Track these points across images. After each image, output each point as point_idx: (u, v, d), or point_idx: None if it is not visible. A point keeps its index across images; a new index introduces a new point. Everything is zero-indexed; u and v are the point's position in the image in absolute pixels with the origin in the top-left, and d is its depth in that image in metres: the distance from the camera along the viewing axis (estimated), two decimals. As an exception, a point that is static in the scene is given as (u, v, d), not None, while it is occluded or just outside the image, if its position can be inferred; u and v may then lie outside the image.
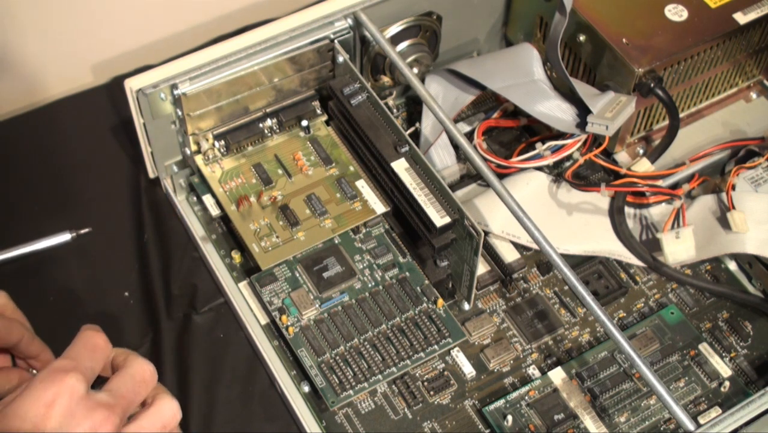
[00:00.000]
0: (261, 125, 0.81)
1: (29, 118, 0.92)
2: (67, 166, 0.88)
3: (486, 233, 0.80)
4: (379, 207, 0.78)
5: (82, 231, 0.82)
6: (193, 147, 0.79)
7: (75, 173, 0.88)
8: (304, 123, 0.82)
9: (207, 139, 0.79)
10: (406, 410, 0.73)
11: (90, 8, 0.94)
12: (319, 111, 0.83)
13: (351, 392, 0.71)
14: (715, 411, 0.73)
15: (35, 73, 0.96)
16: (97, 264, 0.82)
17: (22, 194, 0.86)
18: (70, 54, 0.97)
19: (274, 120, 0.81)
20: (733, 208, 0.77)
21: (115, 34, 0.98)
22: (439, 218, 0.72)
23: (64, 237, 0.81)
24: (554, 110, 0.81)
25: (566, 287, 0.80)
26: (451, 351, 0.75)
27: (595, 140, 0.82)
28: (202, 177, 0.80)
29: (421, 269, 0.78)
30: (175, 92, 0.75)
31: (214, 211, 0.80)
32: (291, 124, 0.82)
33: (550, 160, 0.81)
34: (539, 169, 0.83)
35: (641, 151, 0.86)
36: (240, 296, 0.78)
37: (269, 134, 0.82)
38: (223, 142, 0.80)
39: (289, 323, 0.73)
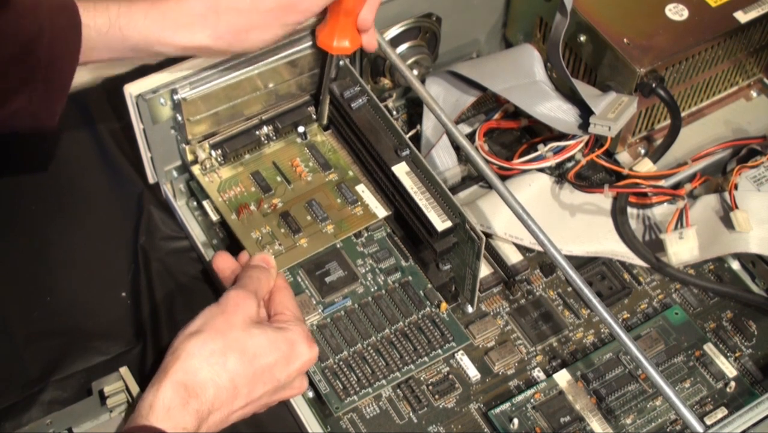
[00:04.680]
0: (257, 133, 0.80)
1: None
2: (65, 166, 0.88)
3: (488, 235, 0.80)
4: (381, 211, 0.78)
5: None
6: (190, 157, 0.79)
7: (73, 173, 0.87)
8: (301, 129, 0.82)
9: (204, 149, 0.78)
10: (411, 414, 0.72)
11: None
12: (315, 116, 0.82)
13: (355, 397, 0.71)
14: (721, 412, 0.73)
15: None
16: (95, 265, 0.81)
17: (20, 195, 0.86)
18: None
19: (270, 127, 0.81)
20: (736, 207, 0.77)
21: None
22: (441, 222, 0.72)
23: None
24: (555, 111, 0.81)
25: (569, 289, 0.80)
26: (456, 354, 0.75)
27: (597, 141, 0.82)
28: (201, 187, 0.79)
29: (424, 272, 0.77)
30: (175, 97, 0.74)
31: (215, 216, 0.79)
32: (287, 131, 0.82)
33: (552, 162, 0.81)
34: (541, 170, 0.82)
35: (643, 152, 0.86)
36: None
37: (266, 141, 0.81)
38: (220, 152, 0.79)
39: (292, 329, 0.73)
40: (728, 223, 0.77)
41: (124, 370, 0.72)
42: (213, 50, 0.70)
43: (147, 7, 0.67)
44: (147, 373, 0.74)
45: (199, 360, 0.61)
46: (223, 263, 0.72)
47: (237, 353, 0.62)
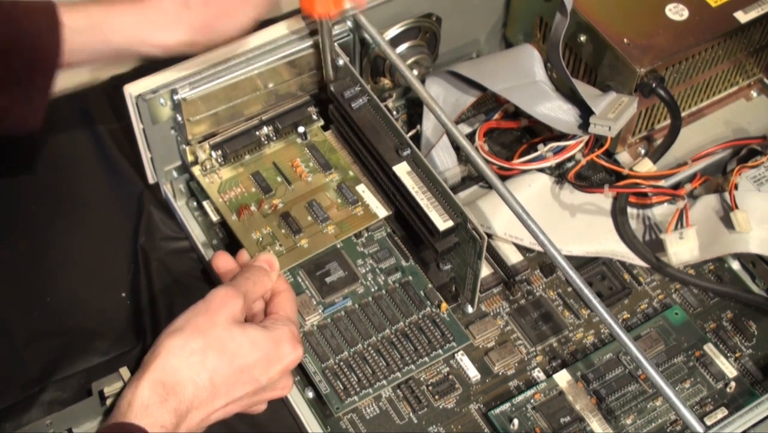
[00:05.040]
0: (257, 133, 0.80)
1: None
2: (65, 166, 0.88)
3: (489, 235, 0.80)
4: (381, 211, 0.78)
5: None
6: (190, 158, 0.79)
7: (73, 173, 0.88)
8: (301, 129, 0.82)
9: (204, 150, 0.78)
10: (411, 414, 0.72)
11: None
12: (315, 117, 0.82)
13: (356, 398, 0.71)
14: (722, 412, 0.73)
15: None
16: (95, 265, 0.81)
17: (20, 195, 0.86)
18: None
19: (270, 127, 0.81)
20: (736, 207, 0.77)
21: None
22: (442, 222, 0.72)
23: None
24: (556, 111, 0.81)
25: (570, 289, 0.80)
26: (456, 355, 0.75)
27: (597, 141, 0.82)
28: (201, 187, 0.79)
29: (424, 272, 0.77)
30: (175, 97, 0.74)
31: (215, 216, 0.79)
32: (288, 131, 0.82)
33: (552, 162, 0.81)
34: (541, 170, 0.82)
35: (643, 152, 0.86)
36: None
37: (266, 142, 0.81)
38: (220, 152, 0.79)
39: (292, 329, 0.73)
40: (728, 223, 0.77)
41: (124, 370, 0.72)
42: (191, 44, 0.71)
43: (126, 8, 0.68)
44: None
45: (179, 359, 0.61)
46: (223, 263, 0.72)
47: (216, 352, 0.62)
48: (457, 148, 0.84)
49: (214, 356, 0.62)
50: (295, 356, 0.65)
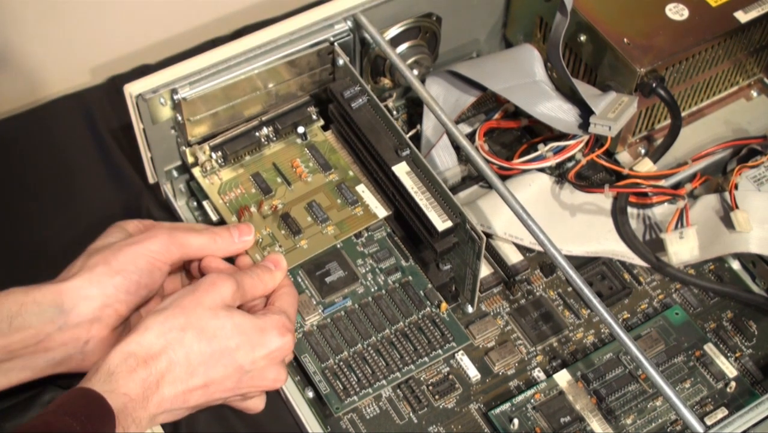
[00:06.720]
0: (257, 134, 0.80)
1: (27, 117, 0.92)
2: (65, 166, 0.88)
3: (489, 235, 0.80)
4: (381, 211, 0.78)
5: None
6: (191, 159, 0.79)
7: (73, 173, 0.88)
8: (301, 130, 0.82)
9: (204, 151, 0.78)
10: (411, 414, 0.72)
11: (89, 7, 0.94)
12: (315, 117, 0.82)
13: (355, 398, 0.71)
14: (722, 412, 0.73)
15: (33, 71, 0.96)
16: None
17: (20, 194, 0.86)
18: (69, 53, 0.96)
19: (270, 128, 0.81)
20: (736, 207, 0.77)
21: (113, 33, 0.97)
22: (441, 222, 0.72)
23: None
24: (556, 111, 0.81)
25: (570, 289, 0.80)
26: (456, 355, 0.75)
27: (597, 141, 0.82)
28: (201, 188, 0.79)
29: (424, 272, 0.77)
30: (175, 97, 0.74)
31: (215, 216, 0.79)
32: (287, 132, 0.82)
33: (552, 162, 0.81)
34: (541, 170, 0.82)
35: (643, 151, 0.86)
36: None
37: (266, 143, 0.81)
38: (220, 153, 0.79)
39: (292, 329, 0.73)
40: (728, 223, 0.77)
41: (124, 370, 0.71)
42: None
43: None
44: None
45: (156, 334, 0.60)
46: (215, 265, 0.71)
47: (196, 330, 0.61)
48: (457, 148, 0.84)
49: (193, 334, 0.61)
50: (280, 343, 0.64)
